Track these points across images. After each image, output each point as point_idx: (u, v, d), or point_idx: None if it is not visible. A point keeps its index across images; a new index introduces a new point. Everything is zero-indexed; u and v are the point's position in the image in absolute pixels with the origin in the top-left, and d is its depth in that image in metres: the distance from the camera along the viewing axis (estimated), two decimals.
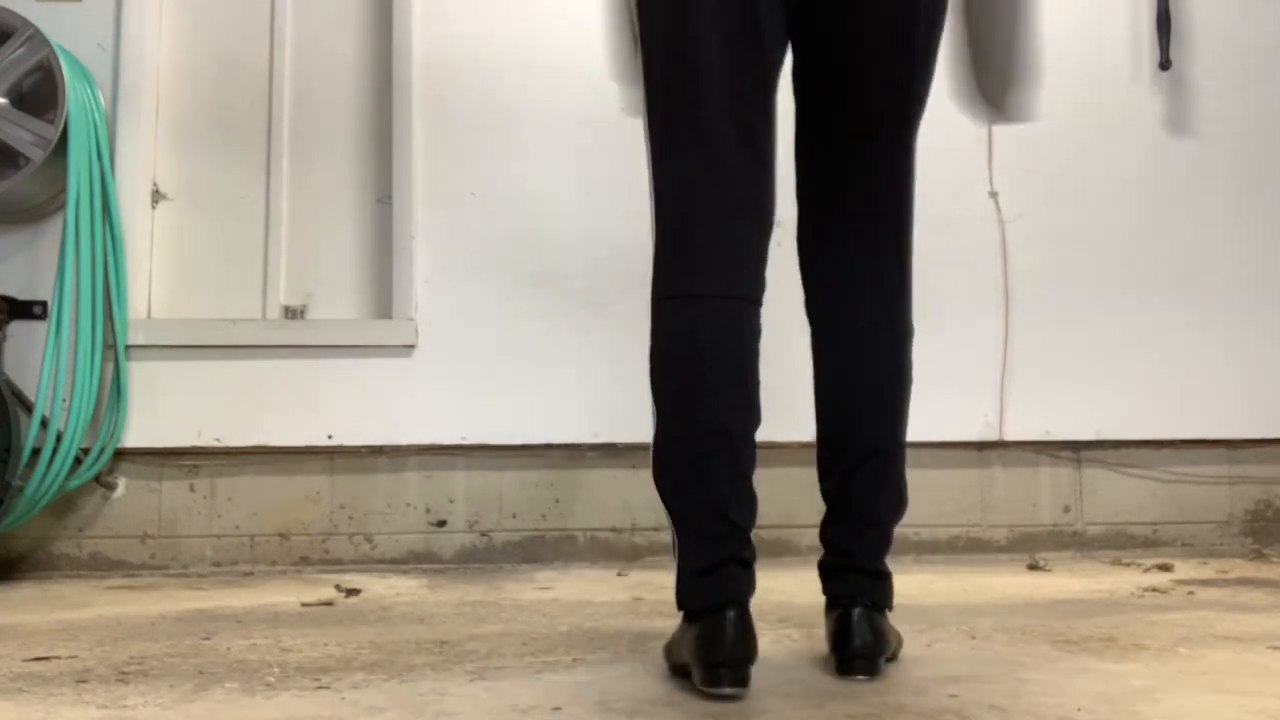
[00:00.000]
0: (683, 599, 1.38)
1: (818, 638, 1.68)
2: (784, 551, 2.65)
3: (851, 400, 1.50)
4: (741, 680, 1.30)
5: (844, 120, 1.49)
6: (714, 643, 1.31)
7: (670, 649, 1.46)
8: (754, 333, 1.42)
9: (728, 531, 1.36)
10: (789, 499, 2.60)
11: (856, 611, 1.42)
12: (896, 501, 1.51)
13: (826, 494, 1.52)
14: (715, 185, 1.40)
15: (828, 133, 1.50)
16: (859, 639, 1.40)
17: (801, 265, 1.55)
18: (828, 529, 1.51)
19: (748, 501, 1.40)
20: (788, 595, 2.04)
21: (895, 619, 1.79)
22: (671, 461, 1.40)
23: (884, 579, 1.48)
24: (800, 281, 1.54)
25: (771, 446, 2.72)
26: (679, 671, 1.41)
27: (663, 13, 1.42)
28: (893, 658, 1.50)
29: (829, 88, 1.48)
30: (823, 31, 1.45)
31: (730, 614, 1.32)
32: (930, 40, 1.48)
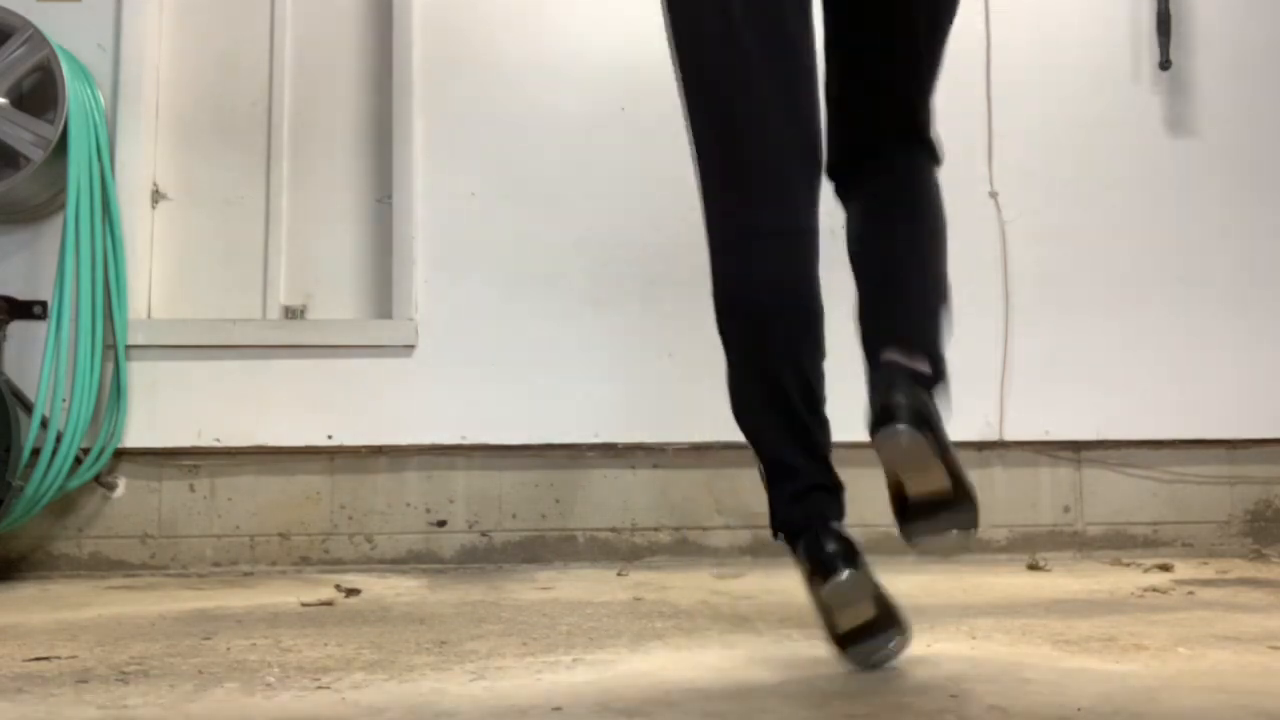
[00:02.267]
0: (778, 523, 1.44)
1: (819, 637, 1.68)
2: (784, 551, 2.65)
3: (888, 245, 1.51)
4: (852, 562, 1.35)
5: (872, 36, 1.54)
6: (819, 549, 1.37)
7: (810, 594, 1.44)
8: (815, 261, 1.45)
9: (808, 461, 1.43)
10: None
11: (896, 373, 1.33)
12: (940, 284, 1.48)
13: (862, 291, 1.49)
14: (764, 122, 1.43)
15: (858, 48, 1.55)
16: (900, 393, 1.28)
17: (837, 133, 1.55)
18: (865, 317, 1.47)
19: (825, 429, 1.45)
20: (788, 595, 2.03)
21: None
22: (749, 399, 1.45)
23: (938, 353, 1.41)
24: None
25: None
26: (833, 641, 1.43)
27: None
28: (967, 508, 1.33)
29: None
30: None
31: (818, 526, 1.38)
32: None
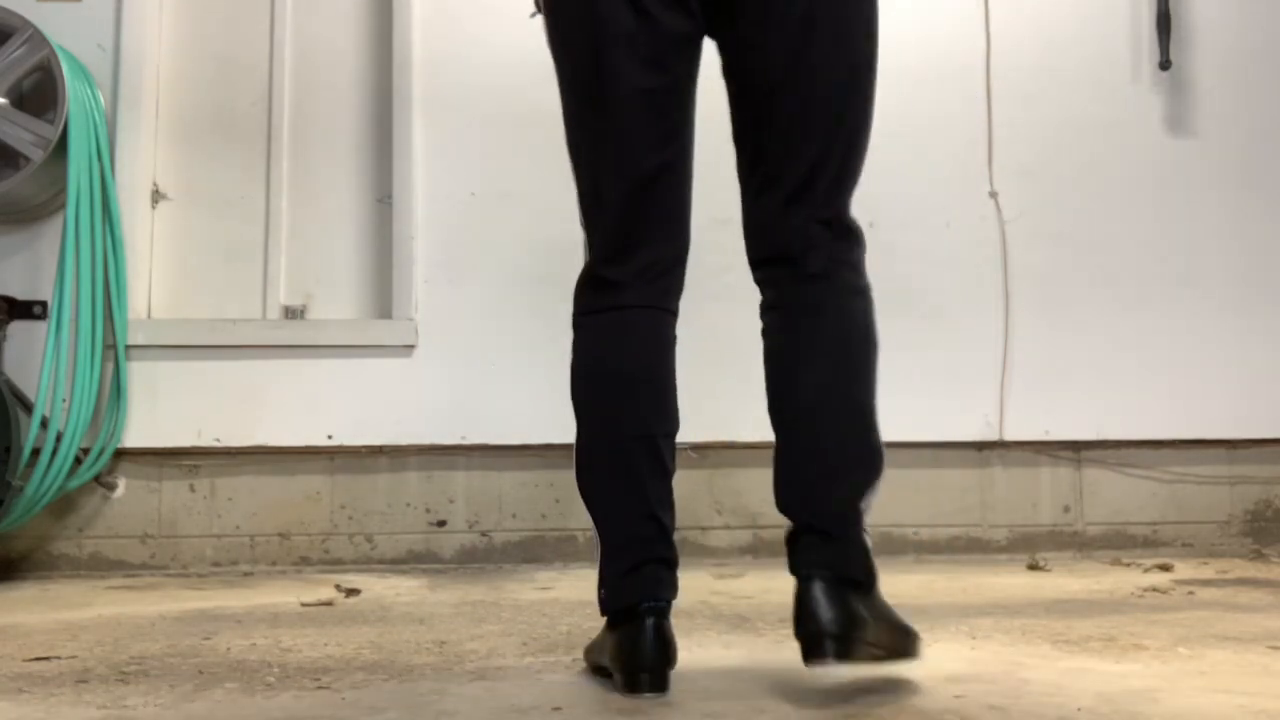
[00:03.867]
0: (607, 599, 1.36)
1: None
2: (784, 551, 2.65)
3: (799, 357, 1.36)
4: (660, 686, 1.30)
5: (775, 109, 1.39)
6: (634, 650, 1.31)
7: (590, 650, 1.45)
8: (671, 340, 1.43)
9: (653, 532, 1.36)
10: None
11: (816, 584, 1.24)
12: (864, 456, 1.33)
13: (775, 454, 1.37)
14: (636, 202, 1.40)
15: (759, 121, 1.41)
16: (823, 614, 1.22)
17: (748, 239, 1.44)
18: (778, 492, 1.35)
19: (669, 503, 1.39)
20: (787, 595, 2.03)
21: None
22: (595, 463, 1.40)
23: (850, 544, 1.29)
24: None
25: (771, 447, 2.73)
26: (599, 672, 1.40)
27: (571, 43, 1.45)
28: (897, 654, 1.32)
29: (755, 86, 1.40)
30: (740, 56, 1.40)
31: (649, 622, 1.31)
32: (869, 52, 1.39)
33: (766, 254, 1.41)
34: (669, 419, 1.41)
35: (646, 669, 1.30)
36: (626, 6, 1.36)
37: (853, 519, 1.31)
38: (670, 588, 1.36)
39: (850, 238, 1.39)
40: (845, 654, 1.22)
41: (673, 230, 1.44)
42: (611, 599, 1.35)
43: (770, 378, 1.39)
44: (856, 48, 1.37)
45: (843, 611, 1.23)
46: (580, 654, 1.57)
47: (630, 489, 1.37)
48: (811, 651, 1.23)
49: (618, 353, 1.41)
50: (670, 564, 1.37)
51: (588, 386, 1.42)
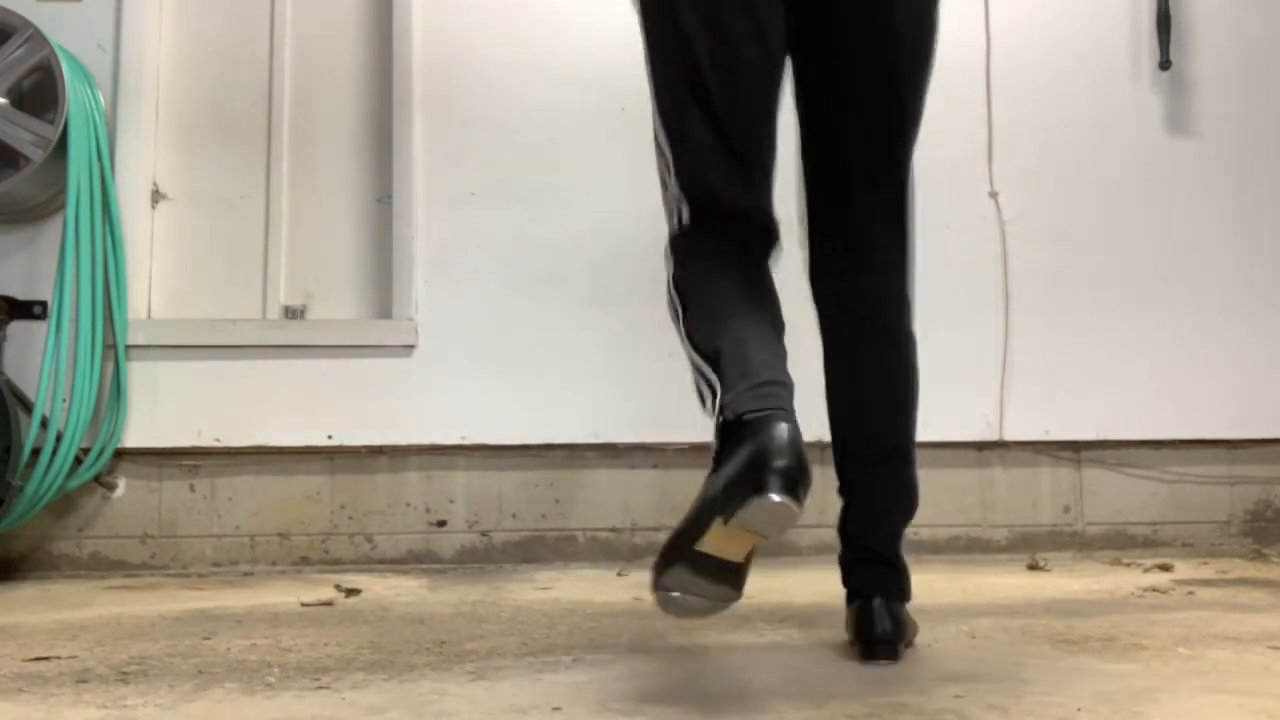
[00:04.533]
0: (732, 412, 1.22)
1: (818, 637, 1.68)
2: (784, 551, 2.65)
3: (863, 404, 1.59)
4: (796, 491, 1.14)
5: (845, 134, 1.56)
6: (769, 449, 1.15)
7: (680, 528, 1.20)
8: (770, 278, 1.49)
9: (772, 359, 1.33)
10: None
11: (877, 601, 1.50)
12: (909, 500, 1.61)
13: (842, 490, 1.60)
14: (726, 167, 1.46)
15: (830, 145, 1.57)
16: (879, 626, 1.48)
17: (810, 274, 1.61)
18: (846, 524, 1.58)
19: (782, 351, 1.39)
20: (788, 595, 2.04)
21: None
22: (706, 315, 1.39)
23: (901, 571, 1.56)
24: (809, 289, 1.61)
25: None
26: (687, 548, 1.18)
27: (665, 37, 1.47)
28: (909, 644, 1.56)
29: (829, 103, 1.55)
30: (823, 50, 1.51)
31: (783, 424, 1.18)
32: (921, 59, 1.58)
33: (832, 289, 1.60)
34: (778, 313, 1.45)
35: (789, 470, 1.14)
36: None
37: (901, 544, 1.58)
38: (792, 408, 1.26)
39: (910, 296, 1.64)
40: (895, 655, 1.49)
41: (769, 180, 1.50)
42: (737, 410, 1.22)
43: (843, 419, 1.59)
44: (928, 63, 1.60)
45: (895, 624, 1.50)
46: (580, 653, 1.57)
47: (753, 322, 1.38)
48: (871, 655, 1.48)
49: (723, 262, 1.45)
50: (789, 388, 1.30)
51: (695, 283, 1.44)
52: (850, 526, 1.58)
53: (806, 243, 1.61)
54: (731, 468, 1.18)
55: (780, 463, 1.15)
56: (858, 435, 1.59)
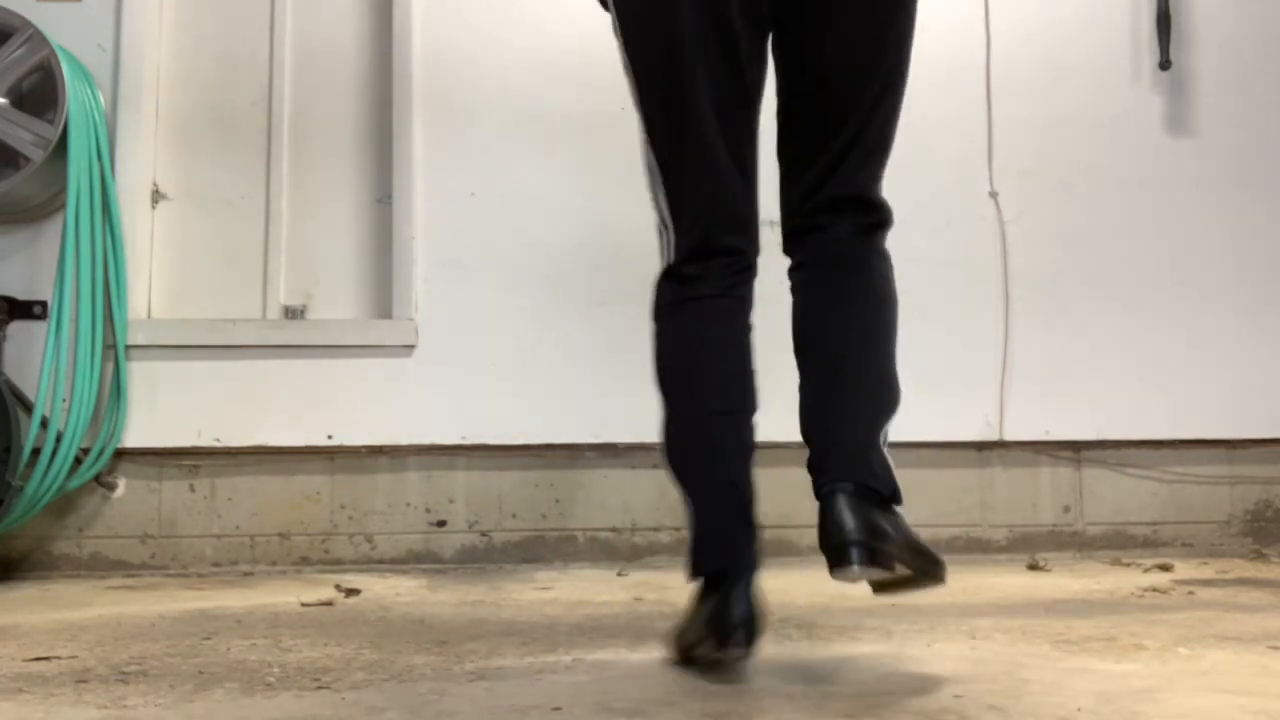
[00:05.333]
0: (697, 560, 1.42)
1: (818, 637, 1.68)
2: (784, 551, 2.65)
3: (825, 311, 1.48)
4: (747, 642, 1.36)
5: (820, 116, 1.52)
6: (727, 609, 1.35)
7: (676, 637, 1.48)
8: (748, 328, 1.51)
9: (736, 501, 1.44)
10: (789, 499, 2.58)
11: (839, 497, 1.29)
12: (884, 389, 1.43)
13: (801, 387, 1.46)
14: (716, 200, 1.50)
15: (803, 101, 1.54)
16: (848, 521, 1.27)
17: (783, 207, 1.57)
18: (803, 419, 1.43)
19: (750, 475, 1.46)
20: (788, 595, 2.04)
21: (894, 619, 1.79)
22: (683, 438, 1.48)
23: (873, 461, 1.35)
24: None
25: (772, 446, 2.72)
26: (688, 655, 1.44)
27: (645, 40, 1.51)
28: (923, 578, 1.35)
29: (806, 101, 1.53)
30: (799, 55, 1.51)
31: (740, 584, 1.37)
32: (901, 57, 1.53)
33: (801, 224, 1.53)
34: (750, 398, 1.48)
35: (739, 624, 1.35)
36: (708, 16, 1.44)
37: (874, 440, 1.38)
38: (752, 555, 1.42)
39: (880, 211, 1.51)
40: (870, 560, 1.26)
41: (751, 226, 1.54)
42: (703, 565, 1.42)
43: (800, 320, 1.49)
44: (904, 37, 1.52)
45: (866, 520, 1.27)
46: (580, 653, 1.57)
47: (717, 470, 1.45)
48: (838, 560, 1.27)
49: (703, 343, 1.49)
50: (752, 529, 1.43)
51: (672, 371, 1.50)
52: (807, 419, 1.42)
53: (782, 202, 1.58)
54: (702, 618, 1.39)
55: (739, 619, 1.35)
56: (820, 330, 1.47)
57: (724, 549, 1.41)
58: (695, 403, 1.47)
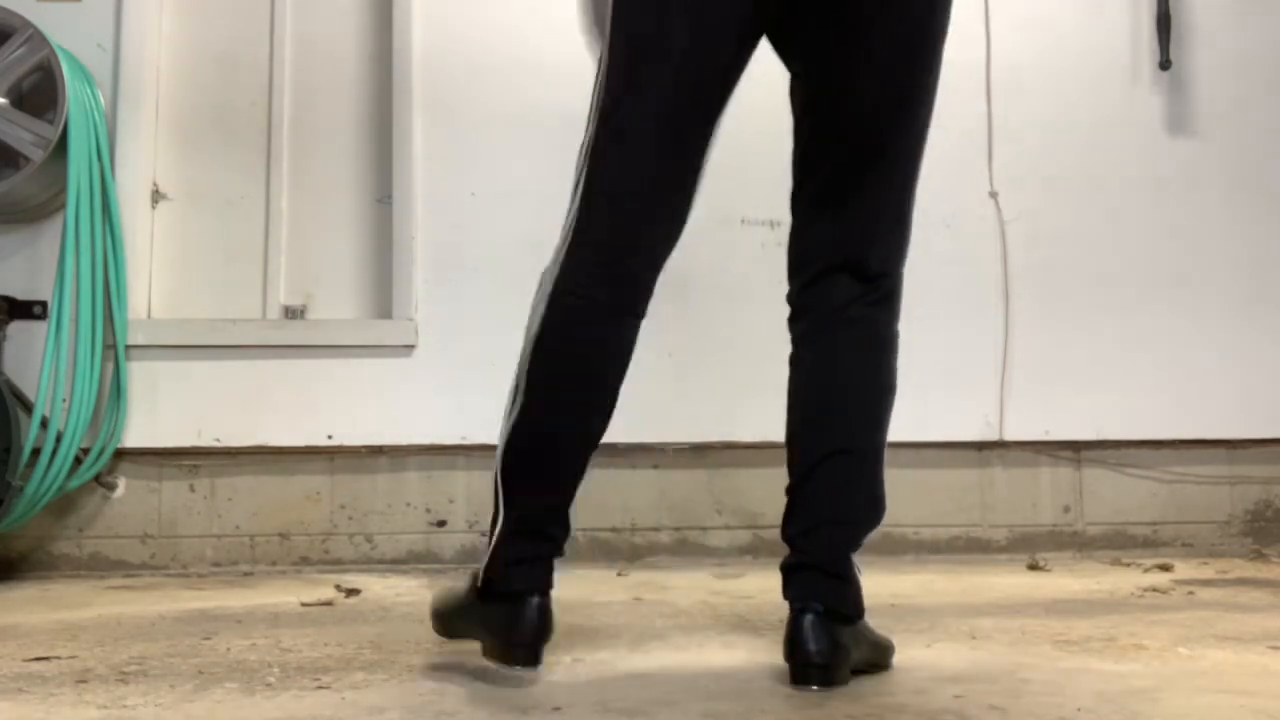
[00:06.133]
0: (494, 581, 1.42)
1: None
2: (783, 552, 2.65)
3: (824, 398, 1.45)
4: (534, 660, 1.39)
5: (845, 143, 1.46)
6: (517, 624, 1.38)
7: (446, 612, 1.52)
8: (632, 346, 1.45)
9: (560, 531, 1.46)
10: None
11: (809, 618, 1.34)
12: (867, 506, 1.44)
13: (789, 490, 1.45)
14: (643, 207, 1.42)
15: (827, 151, 1.48)
16: (812, 644, 1.33)
17: (790, 263, 1.52)
18: (786, 526, 1.44)
19: (573, 498, 1.47)
20: None
21: (894, 619, 1.79)
22: (531, 451, 1.43)
23: (845, 583, 1.39)
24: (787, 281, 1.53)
25: (772, 446, 2.73)
26: (451, 633, 1.51)
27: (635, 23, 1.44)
28: (873, 669, 1.42)
29: (829, 111, 1.47)
30: (825, 58, 1.44)
31: (534, 600, 1.39)
32: (931, 72, 1.48)
33: (809, 280, 1.48)
34: (607, 417, 1.46)
35: (526, 643, 1.38)
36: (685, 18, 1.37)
37: (849, 558, 1.42)
38: (551, 580, 1.43)
39: (895, 296, 1.48)
40: (828, 681, 1.33)
41: (673, 237, 1.46)
42: (500, 583, 1.41)
43: (797, 410, 1.46)
44: (930, 98, 1.49)
45: (830, 643, 1.33)
46: (580, 653, 1.57)
47: (556, 484, 1.44)
48: (799, 678, 1.34)
49: (588, 347, 1.43)
50: (558, 556, 1.46)
51: (549, 369, 1.43)
52: (791, 527, 1.42)
53: (791, 236, 1.53)
54: (490, 628, 1.42)
55: (529, 639, 1.39)
56: (812, 427, 1.44)
57: (536, 576, 1.42)
58: (563, 417, 1.43)
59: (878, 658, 1.44)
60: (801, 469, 1.44)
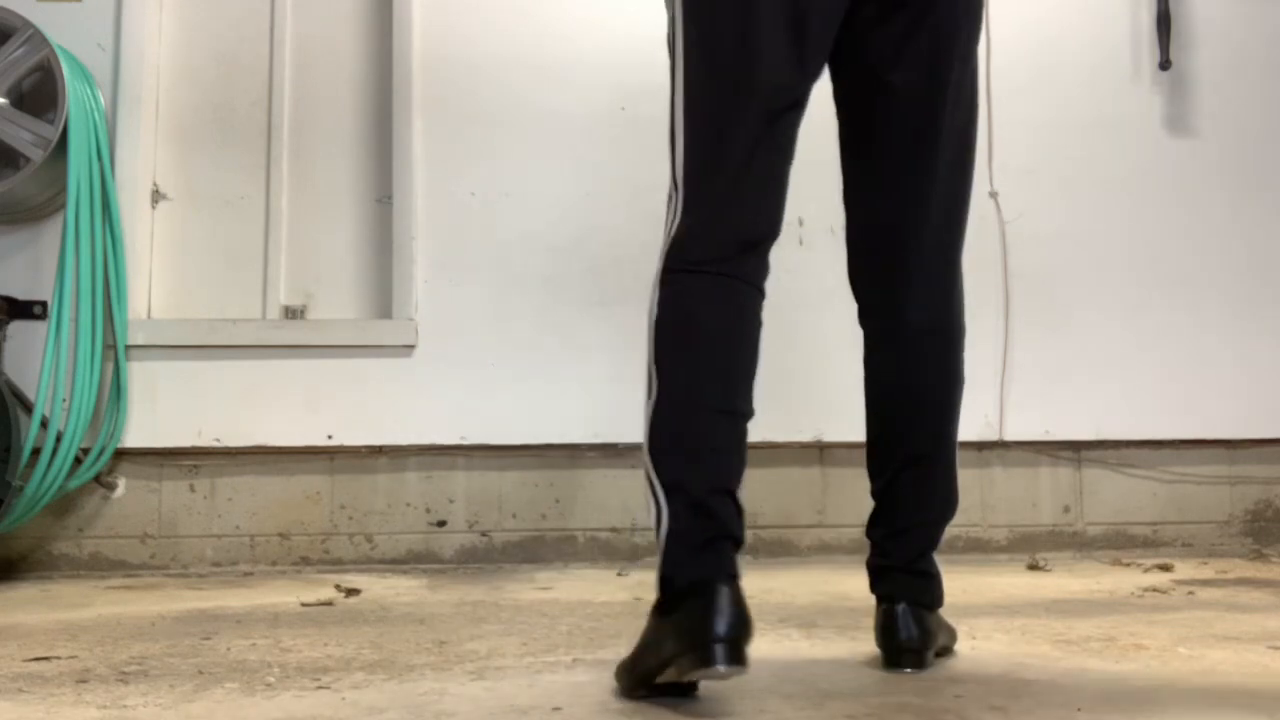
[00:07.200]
0: (673, 573, 1.26)
1: (818, 637, 1.68)
2: (784, 552, 2.65)
3: (898, 403, 1.52)
4: (739, 658, 1.19)
5: (897, 138, 1.49)
6: (708, 618, 1.20)
7: (626, 662, 1.34)
8: (749, 314, 1.40)
9: (730, 514, 1.30)
10: (788, 499, 2.60)
11: (900, 607, 1.46)
12: (943, 505, 1.54)
13: (874, 494, 1.54)
14: (739, 186, 1.38)
15: (878, 149, 1.51)
16: (904, 633, 1.45)
17: (851, 269, 1.55)
18: (872, 528, 1.54)
19: (741, 483, 1.34)
20: (788, 595, 2.04)
21: None
22: (674, 428, 1.35)
23: (929, 578, 1.51)
24: (848, 285, 1.56)
25: (771, 446, 2.73)
26: (645, 683, 1.28)
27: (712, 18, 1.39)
28: (944, 652, 1.53)
29: (880, 112, 1.49)
30: (873, 63, 1.45)
31: (724, 589, 1.22)
32: (968, 69, 1.50)
33: (879, 300, 1.53)
34: (749, 401, 1.38)
35: (722, 639, 1.19)
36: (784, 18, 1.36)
37: (931, 553, 1.53)
38: (737, 568, 1.28)
39: (959, 296, 1.53)
40: (921, 664, 1.44)
41: (778, 205, 1.43)
42: (679, 578, 1.26)
43: (875, 416, 1.54)
44: (974, 116, 1.53)
45: (920, 630, 1.46)
46: (580, 653, 1.57)
47: (710, 460, 1.32)
48: (895, 662, 1.45)
49: (711, 316, 1.37)
50: (740, 544, 1.30)
51: (676, 346, 1.37)
52: (876, 532, 1.52)
53: (847, 233, 1.55)
54: (679, 634, 1.23)
55: (725, 631, 1.20)
56: (890, 439, 1.52)
57: (714, 561, 1.26)
58: (702, 393, 1.34)
59: (949, 642, 1.55)
60: (883, 476, 1.53)
